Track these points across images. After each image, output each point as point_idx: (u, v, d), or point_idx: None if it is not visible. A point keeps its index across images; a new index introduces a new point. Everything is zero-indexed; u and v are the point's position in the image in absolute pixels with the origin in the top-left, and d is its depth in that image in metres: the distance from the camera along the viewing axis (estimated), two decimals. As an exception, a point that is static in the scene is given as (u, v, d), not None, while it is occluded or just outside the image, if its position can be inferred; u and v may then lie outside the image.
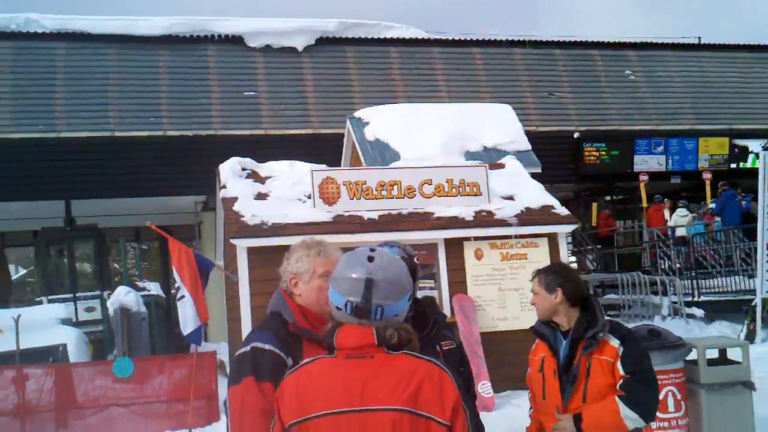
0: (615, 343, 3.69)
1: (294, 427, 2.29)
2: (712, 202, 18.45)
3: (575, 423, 3.64)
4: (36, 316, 10.90)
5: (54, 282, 16.87)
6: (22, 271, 36.60)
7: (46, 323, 10.86)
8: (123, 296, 11.47)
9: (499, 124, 15.67)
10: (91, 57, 18.45)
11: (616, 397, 3.61)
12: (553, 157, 18.69)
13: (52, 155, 17.28)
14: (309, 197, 11.32)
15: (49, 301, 14.46)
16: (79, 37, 18.53)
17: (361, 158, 14.61)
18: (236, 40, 19.48)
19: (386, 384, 2.24)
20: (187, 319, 9.30)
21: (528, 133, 16.06)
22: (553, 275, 3.86)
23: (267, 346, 2.72)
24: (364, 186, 11.37)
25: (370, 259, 2.37)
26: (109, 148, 17.64)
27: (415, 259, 3.32)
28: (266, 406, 2.56)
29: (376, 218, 11.03)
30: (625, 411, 3.58)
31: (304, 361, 2.42)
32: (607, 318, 3.81)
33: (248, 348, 2.75)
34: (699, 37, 24.00)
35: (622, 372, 3.65)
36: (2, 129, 17.34)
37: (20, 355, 9.45)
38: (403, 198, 11.38)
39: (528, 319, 4.00)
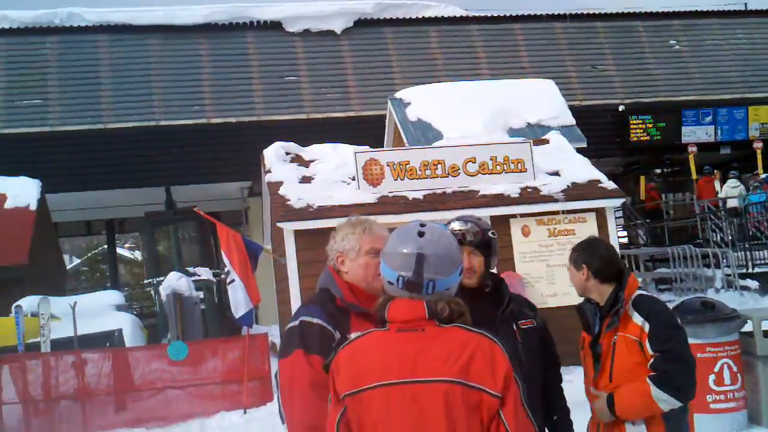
0: (638, 320, 3.51)
1: (348, 399, 2.33)
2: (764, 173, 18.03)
3: (608, 405, 3.52)
4: (92, 303, 11.18)
5: (161, 264, 17.28)
6: (76, 261, 37.45)
7: (101, 310, 11.14)
8: (175, 281, 11.68)
9: (542, 100, 15.52)
10: (133, 48, 18.71)
11: (647, 378, 3.42)
12: (599, 131, 18.43)
13: (97, 146, 17.61)
14: (353, 179, 11.37)
15: (158, 283, 14.65)
16: (120, 29, 18.80)
17: (404, 139, 14.60)
18: (275, 26, 19.55)
19: (438, 356, 2.26)
20: (238, 302, 9.47)
21: (572, 108, 15.88)
22: (578, 252, 3.75)
23: (315, 320, 2.77)
24: (407, 166, 11.38)
25: (421, 234, 2.39)
26: (155, 137, 17.91)
27: (490, 233, 3.24)
28: (315, 378, 2.62)
29: (421, 198, 11.03)
30: (656, 393, 3.39)
31: (358, 334, 2.45)
32: (638, 292, 3.62)
33: (297, 322, 2.80)
34: (745, 3, 23.38)
35: (651, 351, 3.46)
36: (51, 122, 17.72)
37: (78, 341, 9.70)
38: (447, 177, 11.36)
39: (577, 296, 3.93)
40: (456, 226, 3.22)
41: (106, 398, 9.31)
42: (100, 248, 34.83)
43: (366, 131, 16.40)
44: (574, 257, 3.78)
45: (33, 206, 14.37)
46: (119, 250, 31.74)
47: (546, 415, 3.39)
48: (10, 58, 18.26)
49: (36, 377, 9.34)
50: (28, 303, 10.59)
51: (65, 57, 18.38)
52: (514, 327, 3.20)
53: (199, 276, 13.17)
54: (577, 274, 3.74)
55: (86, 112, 17.97)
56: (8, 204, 14.33)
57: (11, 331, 9.78)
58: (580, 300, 3.89)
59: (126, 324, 10.59)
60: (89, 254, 37.53)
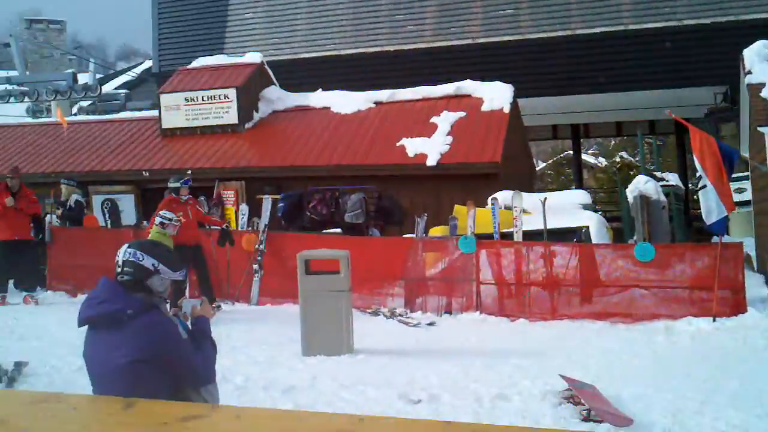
0: None
1: None
2: None
3: None
4: (560, 200, 11.62)
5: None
6: (541, 165, 39.18)
7: (569, 207, 11.54)
8: (642, 185, 11.54)
9: None
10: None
11: None
12: None
13: (564, 52, 18.01)
14: None
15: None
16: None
17: None
18: None
19: None
20: (710, 208, 9.04)
21: None
22: None
23: None
24: None
25: None
26: (619, 42, 17.68)
27: None
28: None
29: None
30: None
31: None
32: None
33: None
34: None
35: None
36: (522, 30, 18.55)
37: (547, 234, 10.22)
38: None
39: None
40: None
41: (572, 290, 9.72)
42: (565, 153, 36.12)
43: None
44: None
45: (506, 109, 15.33)
46: (583, 156, 32.48)
47: None
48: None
49: (509, 263, 10.18)
50: (503, 196, 11.46)
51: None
52: None
53: (667, 181, 12.79)
54: None
55: (554, 19, 18.44)
56: (484, 107, 15.53)
57: (488, 220, 10.71)
58: None
59: (592, 222, 10.83)
60: (554, 158, 39.13)
